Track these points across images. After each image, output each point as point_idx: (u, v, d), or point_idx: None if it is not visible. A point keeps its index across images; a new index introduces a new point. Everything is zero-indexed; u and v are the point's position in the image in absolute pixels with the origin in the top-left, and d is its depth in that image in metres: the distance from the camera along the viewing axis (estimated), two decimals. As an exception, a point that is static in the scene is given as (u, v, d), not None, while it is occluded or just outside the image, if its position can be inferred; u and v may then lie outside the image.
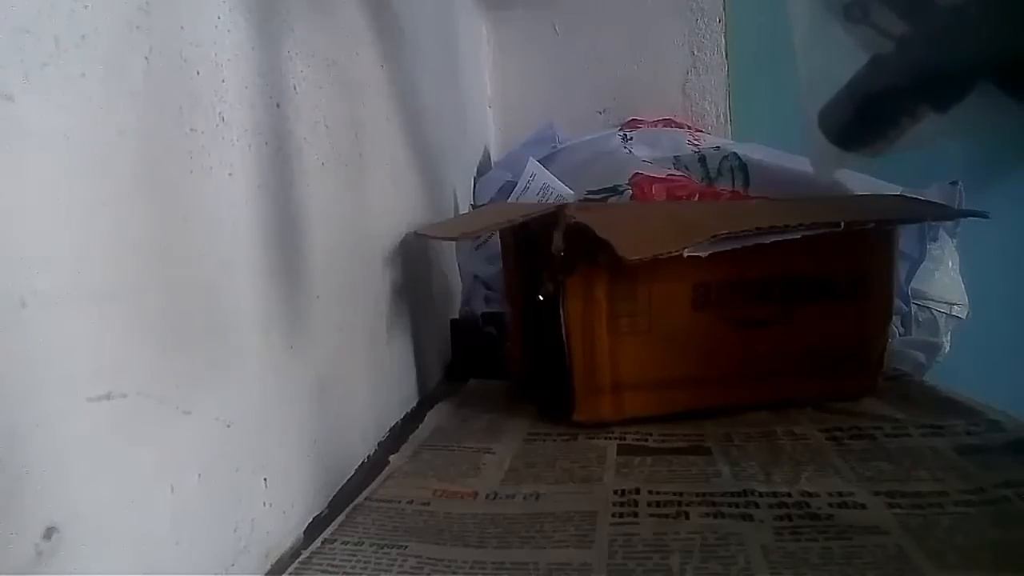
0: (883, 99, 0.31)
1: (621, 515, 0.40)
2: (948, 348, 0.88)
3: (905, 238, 0.81)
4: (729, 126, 1.17)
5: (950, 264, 0.90)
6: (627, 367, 0.55)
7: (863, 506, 0.40)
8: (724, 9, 1.16)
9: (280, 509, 0.39)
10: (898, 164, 0.74)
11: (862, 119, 0.32)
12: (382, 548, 0.37)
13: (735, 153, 0.89)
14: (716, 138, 0.99)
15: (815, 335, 0.57)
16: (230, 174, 0.35)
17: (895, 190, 0.80)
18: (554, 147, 0.99)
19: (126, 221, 0.28)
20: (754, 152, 0.89)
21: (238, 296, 0.36)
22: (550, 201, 0.83)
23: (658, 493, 0.43)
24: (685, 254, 0.50)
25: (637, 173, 0.85)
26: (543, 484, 0.45)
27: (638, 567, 0.34)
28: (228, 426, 0.34)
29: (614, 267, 0.53)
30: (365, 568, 0.36)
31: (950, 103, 0.30)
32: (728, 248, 0.51)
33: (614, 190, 0.84)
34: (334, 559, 0.37)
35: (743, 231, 0.51)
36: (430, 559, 0.36)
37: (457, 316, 0.82)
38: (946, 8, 0.29)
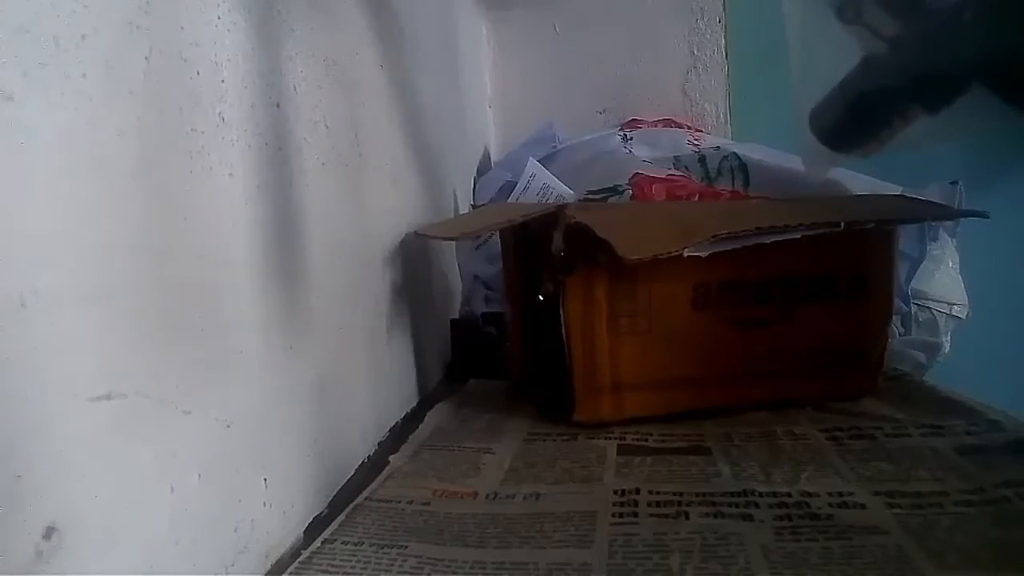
0: (875, 99, 0.30)
1: (621, 515, 0.40)
2: (948, 348, 0.88)
3: (905, 238, 0.81)
4: (729, 126, 1.17)
5: (950, 264, 0.90)
6: (627, 367, 0.55)
7: (863, 506, 0.40)
8: (724, 9, 1.16)
9: (280, 509, 0.39)
10: (898, 164, 0.74)
11: (854, 120, 0.31)
12: (382, 548, 0.37)
13: (735, 153, 0.89)
14: (716, 138, 0.99)
15: (815, 335, 0.57)
16: (230, 174, 0.35)
17: (895, 190, 0.80)
18: (554, 147, 0.99)
19: (126, 221, 0.28)
20: (754, 152, 0.89)
21: (238, 296, 0.36)
22: (550, 201, 0.83)
23: (658, 493, 0.43)
24: (685, 254, 0.50)
25: (637, 173, 0.85)
26: (543, 484, 0.45)
27: (638, 567, 0.34)
28: (228, 426, 0.34)
29: (614, 267, 0.53)
30: (365, 568, 0.36)
31: (942, 104, 0.29)
32: (728, 248, 0.51)
33: (614, 190, 0.84)
34: (334, 559, 0.37)
35: (743, 231, 0.51)
36: (430, 559, 0.36)
37: (457, 316, 0.82)
38: (939, 10, 0.28)
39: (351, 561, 0.36)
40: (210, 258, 0.34)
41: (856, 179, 0.82)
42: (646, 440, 0.52)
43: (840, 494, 0.41)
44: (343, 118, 0.50)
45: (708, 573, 0.34)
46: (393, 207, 0.62)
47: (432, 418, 0.59)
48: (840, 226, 0.52)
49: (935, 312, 0.89)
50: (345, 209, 0.51)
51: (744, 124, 1.16)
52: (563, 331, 0.55)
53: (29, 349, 0.23)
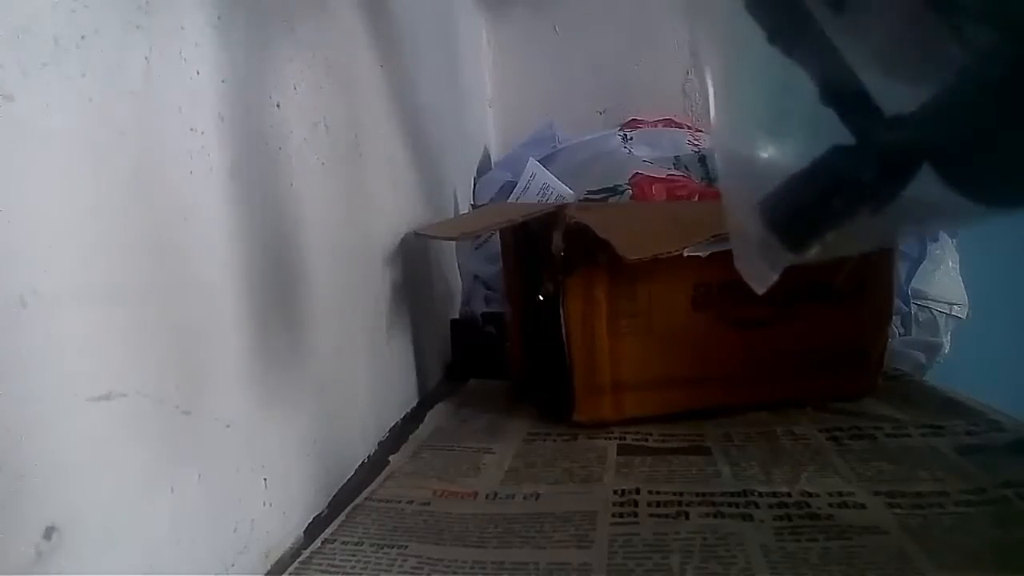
0: (845, 192, 0.26)
1: (621, 515, 0.40)
2: (948, 348, 0.88)
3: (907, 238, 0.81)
4: (729, 126, 1.17)
5: (950, 264, 0.91)
6: (627, 367, 0.55)
7: (863, 506, 0.40)
8: (724, 9, 1.16)
9: (280, 509, 0.39)
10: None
11: (816, 212, 0.27)
12: (382, 548, 0.37)
13: (735, 153, 0.89)
14: (716, 138, 0.99)
15: (815, 335, 0.57)
16: (230, 174, 0.35)
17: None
18: (554, 147, 0.99)
19: (126, 221, 0.28)
20: (754, 152, 0.89)
21: (238, 296, 0.36)
22: (550, 201, 0.83)
23: (658, 493, 0.43)
24: (685, 254, 0.50)
25: (637, 173, 0.85)
26: (543, 484, 0.45)
27: (638, 567, 0.34)
28: (228, 426, 0.34)
29: (614, 267, 0.53)
30: (365, 568, 0.36)
31: (887, 203, 0.26)
32: (728, 248, 0.51)
33: (614, 190, 0.84)
34: (334, 559, 0.37)
35: (743, 231, 0.51)
36: (430, 559, 0.36)
37: (457, 316, 0.82)
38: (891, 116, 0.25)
39: (351, 561, 0.36)
40: (210, 258, 0.34)
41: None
42: (646, 440, 0.52)
43: (840, 494, 0.41)
44: (343, 118, 0.50)
45: (708, 573, 0.34)
46: (393, 207, 0.62)
47: (432, 418, 0.59)
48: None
49: (935, 312, 0.89)
50: (345, 209, 0.51)
51: (744, 124, 1.15)
52: (563, 331, 0.55)
53: (29, 349, 0.23)
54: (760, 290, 0.29)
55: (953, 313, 0.90)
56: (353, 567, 0.36)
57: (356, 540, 0.39)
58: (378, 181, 0.58)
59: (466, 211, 0.91)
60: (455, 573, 0.35)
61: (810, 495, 0.41)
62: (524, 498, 0.43)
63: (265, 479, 0.37)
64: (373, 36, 0.58)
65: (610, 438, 0.53)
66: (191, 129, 0.32)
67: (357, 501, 0.43)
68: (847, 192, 0.26)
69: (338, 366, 0.47)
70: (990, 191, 0.25)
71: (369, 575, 0.35)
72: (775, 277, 0.29)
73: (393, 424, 0.58)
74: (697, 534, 0.37)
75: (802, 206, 0.27)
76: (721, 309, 0.56)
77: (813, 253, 0.28)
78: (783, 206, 0.28)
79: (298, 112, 0.43)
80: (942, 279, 0.89)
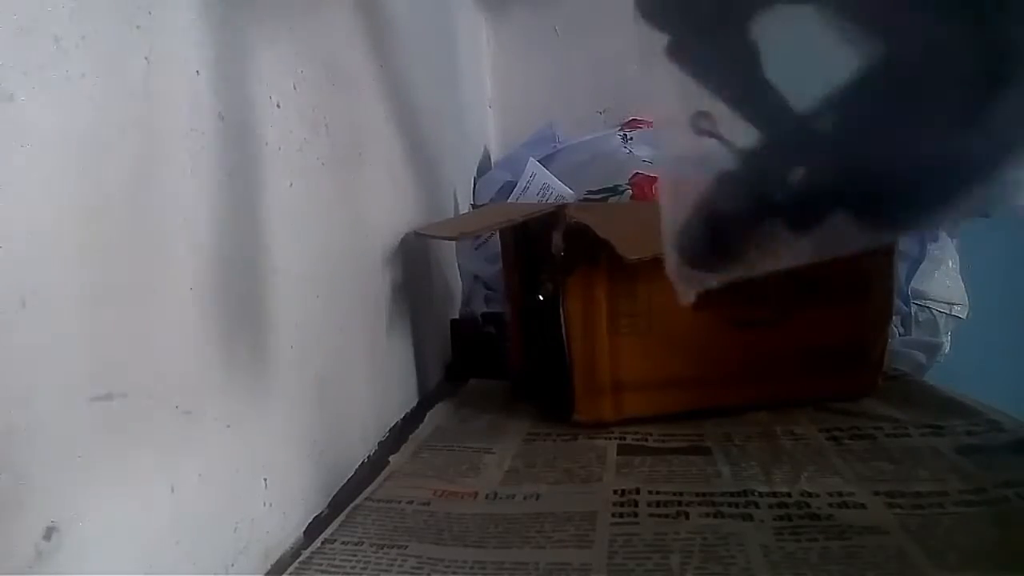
0: (734, 219, 0.28)
1: (621, 515, 0.40)
2: (948, 348, 0.88)
3: (905, 238, 0.81)
4: (729, 126, 1.17)
5: (950, 264, 0.91)
6: (627, 367, 0.55)
7: (863, 506, 0.40)
8: (724, 9, 1.16)
9: (280, 509, 0.39)
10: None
11: (712, 241, 0.29)
12: (382, 548, 0.37)
13: (735, 153, 0.89)
14: (716, 138, 0.99)
15: (815, 335, 0.57)
16: (230, 174, 0.35)
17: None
18: (554, 147, 0.99)
19: (126, 221, 0.28)
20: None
21: (238, 296, 0.36)
22: (550, 201, 0.83)
23: (658, 493, 0.43)
24: (685, 254, 0.50)
25: (637, 173, 0.85)
26: (543, 484, 0.45)
27: (638, 567, 0.34)
28: (228, 426, 0.34)
29: (614, 267, 0.53)
30: (365, 568, 0.36)
31: (806, 226, 0.27)
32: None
33: (614, 190, 0.84)
34: (334, 559, 0.37)
35: (743, 231, 0.51)
36: (430, 559, 0.36)
37: (457, 316, 0.82)
38: (800, 118, 0.25)
39: (351, 561, 0.36)
40: (210, 258, 0.34)
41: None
42: (646, 440, 0.52)
43: (840, 494, 0.41)
44: (343, 118, 0.50)
45: (708, 573, 0.34)
46: (393, 207, 0.62)
47: (432, 418, 0.59)
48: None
49: (935, 312, 0.89)
50: (345, 209, 0.51)
51: (744, 124, 1.15)
52: (563, 331, 0.55)
53: (29, 349, 0.23)
54: (683, 301, 0.29)
55: (953, 313, 0.90)
56: (353, 567, 0.36)
57: (356, 540, 0.39)
58: (378, 181, 0.58)
59: (466, 211, 0.91)
60: (455, 573, 0.35)
61: (810, 495, 0.41)
62: (524, 498, 0.43)
63: (265, 479, 0.37)
64: (374, 36, 0.58)
65: (610, 438, 0.53)
66: (191, 129, 0.32)
67: (357, 501, 0.43)
68: (731, 225, 0.27)
69: (338, 366, 0.47)
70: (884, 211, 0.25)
71: (369, 575, 0.35)
72: (692, 296, 0.29)
73: (393, 424, 0.58)
74: (697, 534, 0.37)
75: (696, 238, 0.28)
76: (721, 309, 0.56)
77: (730, 275, 0.29)
78: (685, 236, 0.29)
79: (298, 112, 0.43)
80: (942, 279, 0.89)
